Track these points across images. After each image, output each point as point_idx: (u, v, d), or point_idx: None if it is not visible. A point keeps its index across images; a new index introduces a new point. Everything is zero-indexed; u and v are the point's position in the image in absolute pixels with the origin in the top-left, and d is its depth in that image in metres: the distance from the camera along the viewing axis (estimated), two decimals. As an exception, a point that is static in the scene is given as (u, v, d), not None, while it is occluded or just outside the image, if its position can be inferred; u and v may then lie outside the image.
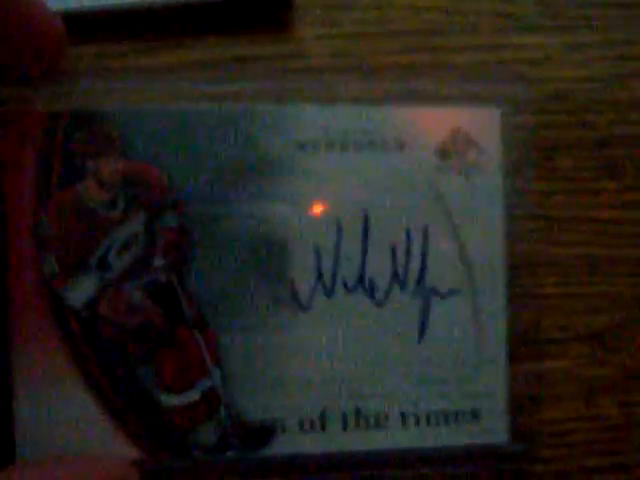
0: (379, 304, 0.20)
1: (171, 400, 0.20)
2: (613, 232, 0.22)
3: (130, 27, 0.21)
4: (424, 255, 0.20)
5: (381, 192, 0.20)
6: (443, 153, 0.21)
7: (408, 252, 0.20)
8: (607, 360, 0.21)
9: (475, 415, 0.21)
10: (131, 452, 0.20)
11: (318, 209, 0.20)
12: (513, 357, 0.20)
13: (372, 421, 0.20)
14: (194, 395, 0.20)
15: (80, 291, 0.20)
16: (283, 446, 0.20)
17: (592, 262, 0.22)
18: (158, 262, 0.20)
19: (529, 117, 0.21)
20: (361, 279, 0.20)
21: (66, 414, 0.20)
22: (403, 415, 0.20)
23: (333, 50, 0.21)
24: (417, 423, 0.20)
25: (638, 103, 0.22)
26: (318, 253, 0.20)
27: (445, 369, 0.20)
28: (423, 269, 0.20)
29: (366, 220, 0.20)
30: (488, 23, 0.22)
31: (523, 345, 0.21)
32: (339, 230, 0.20)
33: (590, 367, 0.22)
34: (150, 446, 0.20)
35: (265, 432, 0.20)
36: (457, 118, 0.21)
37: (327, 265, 0.20)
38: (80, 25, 0.21)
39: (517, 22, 0.22)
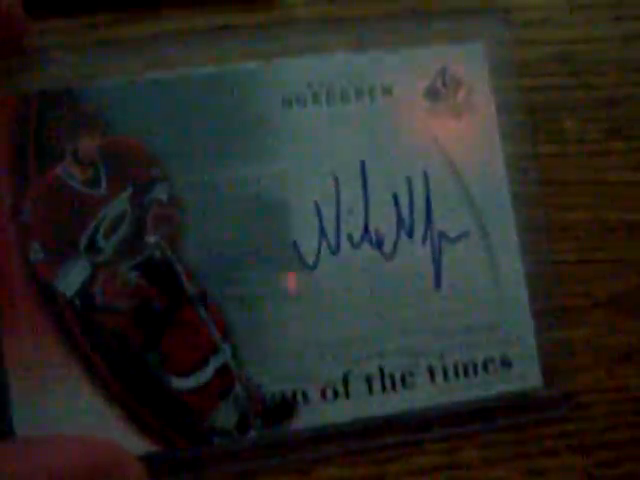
0: (388, 256, 0.27)
1: (183, 383, 0.26)
2: (624, 195, 0.29)
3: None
4: (428, 199, 0.28)
5: (375, 140, 0.28)
6: (432, 95, 0.28)
7: (411, 198, 0.28)
8: (626, 327, 0.28)
9: (505, 362, 0.28)
10: (144, 445, 0.26)
11: (313, 164, 0.27)
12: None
13: (398, 380, 0.27)
14: (206, 374, 0.26)
15: (71, 278, 0.26)
16: (306, 418, 0.27)
17: (605, 226, 0.29)
18: (150, 239, 0.27)
19: (513, 49, 0.29)
20: (366, 231, 0.27)
21: (69, 410, 0.26)
22: (430, 370, 0.27)
23: (322, 15, 0.29)
24: (445, 377, 0.27)
25: (641, 64, 0.30)
26: (319, 209, 0.27)
27: (468, 317, 0.27)
28: (429, 214, 0.28)
29: (363, 170, 0.27)
30: None
31: (540, 314, 0.27)
32: (337, 183, 0.27)
33: (609, 335, 0.28)
34: (165, 436, 0.26)
35: (286, 405, 0.27)
36: (442, 57, 0.28)
37: (329, 221, 0.27)
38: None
39: None
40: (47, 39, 0.27)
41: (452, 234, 0.27)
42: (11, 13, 0.25)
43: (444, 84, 0.28)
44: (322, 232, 0.27)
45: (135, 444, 0.26)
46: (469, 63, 0.28)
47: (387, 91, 0.28)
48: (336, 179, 0.27)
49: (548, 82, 0.30)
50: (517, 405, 0.27)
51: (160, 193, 0.27)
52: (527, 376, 0.27)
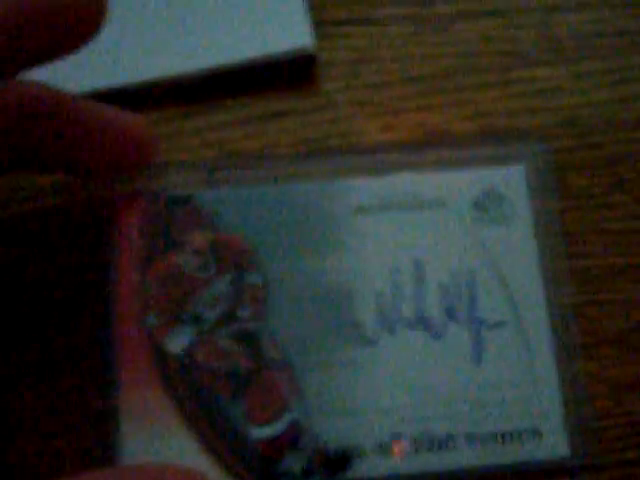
0: (436, 337, 0.33)
1: (260, 433, 0.32)
2: (627, 242, 0.35)
3: (171, 96, 0.36)
4: (471, 293, 0.33)
5: (429, 243, 0.34)
6: (479, 208, 0.34)
7: (458, 291, 0.33)
8: (632, 360, 0.33)
9: (535, 433, 0.32)
10: (227, 481, 0.32)
11: (376, 260, 0.34)
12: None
13: (441, 443, 0.32)
14: (280, 427, 0.32)
15: (178, 340, 0.33)
16: (361, 470, 0.32)
17: (609, 271, 0.34)
18: (244, 313, 0.33)
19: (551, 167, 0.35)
20: (419, 316, 0.33)
21: (168, 450, 0.31)
22: (469, 436, 0.32)
23: (357, 99, 0.36)
24: (482, 443, 0.32)
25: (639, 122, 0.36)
26: (379, 296, 0.33)
27: (503, 391, 0.32)
28: (472, 305, 0.33)
29: (418, 267, 0.34)
30: (497, 62, 0.37)
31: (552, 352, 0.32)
32: (396, 276, 0.34)
33: (616, 367, 0.33)
34: (244, 477, 0.32)
35: (344, 458, 0.32)
36: (488, 177, 0.34)
37: (388, 306, 0.33)
38: (125, 98, 0.36)
39: (523, 59, 0.37)
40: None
41: (491, 322, 0.33)
42: (146, 140, 0.33)
43: (489, 200, 0.34)
44: (382, 316, 0.33)
45: (219, 480, 0.31)
46: (511, 183, 0.34)
47: (441, 204, 0.34)
48: (395, 273, 0.33)
49: (555, 145, 0.36)
50: (546, 472, 0.32)
51: (254, 279, 0.33)
52: (556, 446, 0.32)
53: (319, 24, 0.38)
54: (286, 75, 0.37)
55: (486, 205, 0.34)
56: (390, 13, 0.38)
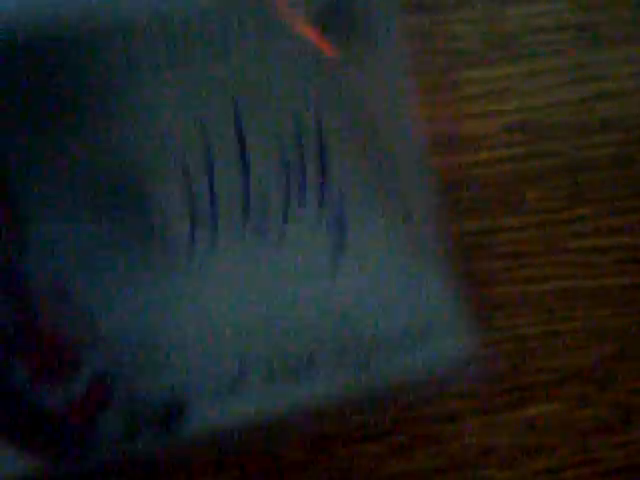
0: (276, 244, 0.23)
1: (55, 396, 0.23)
2: (591, 262, 0.29)
3: None
4: (320, 155, 0.23)
5: (252, 81, 0.22)
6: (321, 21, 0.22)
7: (301, 155, 0.23)
8: (601, 399, 0.27)
9: (426, 330, 0.24)
10: (23, 469, 0.24)
11: (176, 123, 0.22)
12: (497, 406, 0.27)
13: (299, 368, 0.24)
14: (78, 385, 0.23)
15: None
16: (201, 417, 0.24)
17: (572, 296, 0.28)
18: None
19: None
20: (246, 210, 0.23)
21: None
22: (336, 353, 0.24)
23: None
24: (354, 360, 0.24)
25: (602, 125, 0.29)
26: (188, 183, 0.22)
27: (378, 293, 0.23)
28: (324, 169, 0.23)
29: (239, 129, 0.22)
30: (437, 62, 0.29)
31: (506, 392, 0.27)
32: (207, 145, 0.22)
33: (583, 409, 0.27)
34: (46, 456, 0.24)
35: (175, 407, 0.24)
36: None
37: (202, 202, 0.22)
38: None
39: (466, 57, 0.29)
40: None
41: (355, 197, 0.23)
42: None
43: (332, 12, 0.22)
44: (193, 214, 0.22)
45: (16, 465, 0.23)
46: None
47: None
48: (206, 140, 0.22)
49: (506, 154, 0.29)
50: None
51: None
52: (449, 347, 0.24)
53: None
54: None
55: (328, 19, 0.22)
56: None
